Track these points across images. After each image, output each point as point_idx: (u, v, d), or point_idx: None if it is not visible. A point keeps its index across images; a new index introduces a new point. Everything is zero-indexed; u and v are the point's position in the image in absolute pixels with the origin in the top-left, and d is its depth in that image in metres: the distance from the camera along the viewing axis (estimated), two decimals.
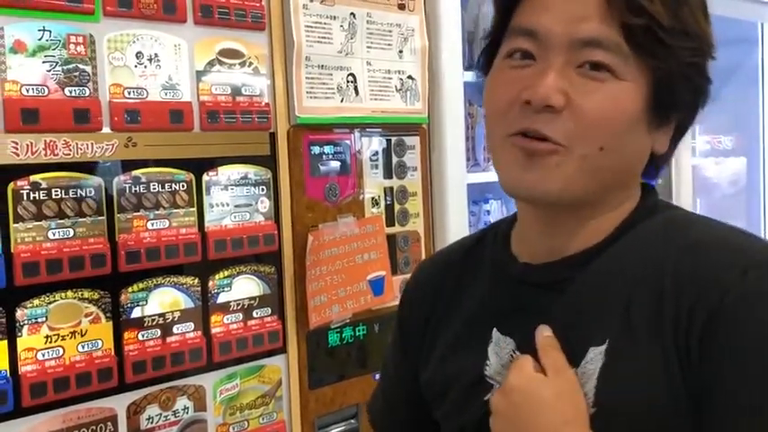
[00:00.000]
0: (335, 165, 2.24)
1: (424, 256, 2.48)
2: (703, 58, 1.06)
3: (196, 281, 1.97)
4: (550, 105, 1.02)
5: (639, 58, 1.01)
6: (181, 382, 1.94)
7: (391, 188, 2.39)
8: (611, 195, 1.11)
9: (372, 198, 2.34)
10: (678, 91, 1.05)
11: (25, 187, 1.69)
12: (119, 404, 1.83)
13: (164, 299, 1.91)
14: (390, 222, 2.39)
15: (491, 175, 3.35)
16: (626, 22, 0.99)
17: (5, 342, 1.67)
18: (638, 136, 1.07)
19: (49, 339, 1.73)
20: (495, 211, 3.43)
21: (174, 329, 1.93)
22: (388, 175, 2.38)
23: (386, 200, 2.38)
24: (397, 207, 2.41)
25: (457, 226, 2.59)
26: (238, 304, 2.05)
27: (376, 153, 2.35)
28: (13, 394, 1.66)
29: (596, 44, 1.01)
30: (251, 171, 2.07)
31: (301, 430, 2.17)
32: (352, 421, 2.30)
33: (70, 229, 1.76)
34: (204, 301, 1.99)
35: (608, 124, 1.03)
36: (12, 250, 1.67)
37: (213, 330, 2.00)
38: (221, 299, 2.02)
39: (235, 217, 2.04)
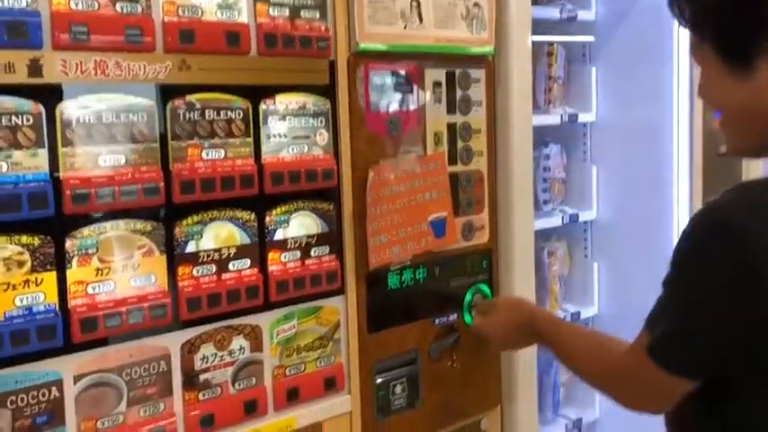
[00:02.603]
0: (397, 97, 2.11)
1: (486, 198, 2.35)
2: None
3: (252, 216, 1.86)
4: None
5: None
6: (236, 322, 1.85)
7: (454, 124, 2.26)
8: None
9: (435, 134, 2.21)
10: None
11: (74, 110, 1.58)
12: (172, 342, 1.74)
13: (219, 233, 1.81)
14: (453, 160, 2.26)
15: (551, 118, 3.21)
16: None
17: (54, 273, 1.57)
18: None
19: (100, 272, 1.64)
20: (556, 155, 3.28)
21: (230, 266, 1.83)
22: (451, 109, 2.24)
23: (449, 136, 2.25)
24: (459, 144, 2.27)
25: (521, 167, 2.45)
26: (296, 242, 1.94)
27: (439, 85, 2.21)
28: (63, 329, 1.58)
29: None
30: (309, 101, 1.95)
31: (359, 374, 2.08)
32: (412, 366, 2.19)
33: (122, 156, 1.65)
34: (261, 238, 1.88)
35: None
36: (60, 176, 1.57)
37: (270, 268, 1.89)
38: (278, 236, 1.91)
39: (292, 149, 1.93)
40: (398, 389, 2.16)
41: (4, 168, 1.51)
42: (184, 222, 1.75)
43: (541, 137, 3.24)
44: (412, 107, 2.14)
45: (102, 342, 1.64)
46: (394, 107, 2.10)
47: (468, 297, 2.31)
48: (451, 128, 2.25)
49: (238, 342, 1.85)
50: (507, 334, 2.09)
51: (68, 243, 1.59)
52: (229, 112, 1.81)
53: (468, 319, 2.31)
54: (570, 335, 1.86)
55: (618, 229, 3.31)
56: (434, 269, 2.23)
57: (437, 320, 2.24)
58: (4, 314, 1.52)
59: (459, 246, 2.28)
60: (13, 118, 1.51)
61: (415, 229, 2.14)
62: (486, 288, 2.36)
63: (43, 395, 1.57)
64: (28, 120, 1.53)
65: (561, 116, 3.17)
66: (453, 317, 2.29)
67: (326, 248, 2.00)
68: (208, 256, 1.79)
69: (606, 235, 3.32)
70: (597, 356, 1.70)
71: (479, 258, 2.35)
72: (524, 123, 2.47)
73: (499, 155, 2.42)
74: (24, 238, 1.53)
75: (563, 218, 3.23)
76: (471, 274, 2.33)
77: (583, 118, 3.25)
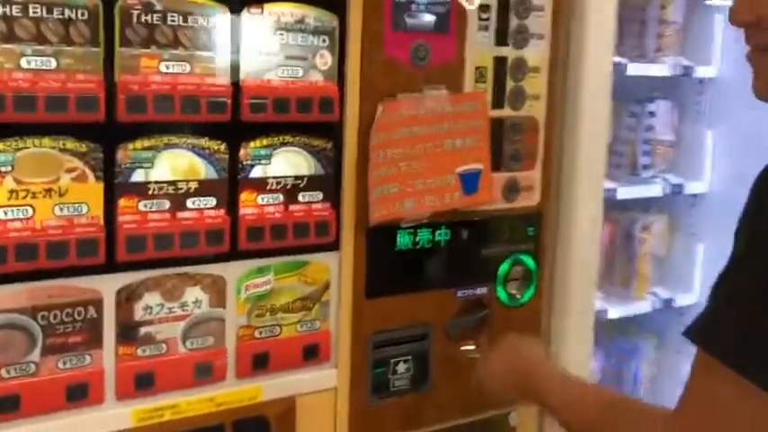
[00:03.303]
0: (428, 18, 1.74)
1: (541, 151, 1.95)
2: None
3: (223, 146, 1.56)
4: None
5: None
6: (193, 270, 1.56)
7: (504, 58, 1.86)
8: None
9: (477, 68, 1.82)
10: None
11: None
12: (105, 286, 1.48)
13: (177, 163, 1.52)
14: (498, 103, 1.87)
15: (661, 69, 2.73)
16: None
17: None
18: None
19: (15, 195, 1.38)
20: (664, 113, 2.80)
21: (188, 203, 1.54)
22: (501, 40, 1.85)
23: (496, 73, 1.85)
24: (509, 84, 1.88)
25: (592, 119, 2.03)
26: (279, 183, 1.63)
27: (487, 8, 1.81)
28: None
29: None
30: (310, 14, 1.62)
31: (351, 346, 1.76)
32: (422, 343, 1.85)
33: (51, 59, 1.38)
34: (232, 174, 1.58)
35: None
36: None
37: (242, 211, 1.59)
38: (256, 173, 1.60)
39: (283, 71, 1.60)
40: (401, 367, 1.83)
41: None
42: (131, 146, 1.47)
43: (647, 90, 2.78)
44: (448, 33, 1.76)
45: (14, 278, 1.39)
46: (423, 30, 1.73)
47: (503, 269, 1.94)
48: (500, 63, 1.86)
49: (193, 294, 1.57)
50: (500, 387, 1.60)
51: None
52: (200, 19, 1.50)
53: (502, 294, 1.94)
54: (575, 399, 1.36)
55: (732, 206, 2.78)
56: (461, 231, 1.87)
57: (459, 293, 1.89)
58: None
59: (496, 207, 1.90)
60: None
61: (437, 181, 1.78)
62: (528, 260, 1.98)
63: None
64: None
65: (674, 68, 2.70)
66: (482, 290, 1.92)
67: (319, 194, 1.68)
68: (160, 188, 1.51)
69: (717, 212, 2.82)
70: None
71: (523, 224, 1.96)
72: (603, 65, 2.04)
73: (567, 99, 2.01)
74: None
75: (664, 188, 2.78)
76: (511, 242, 1.95)
77: (701, 72, 2.77)
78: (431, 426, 1.89)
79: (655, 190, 2.75)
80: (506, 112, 1.88)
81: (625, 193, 2.66)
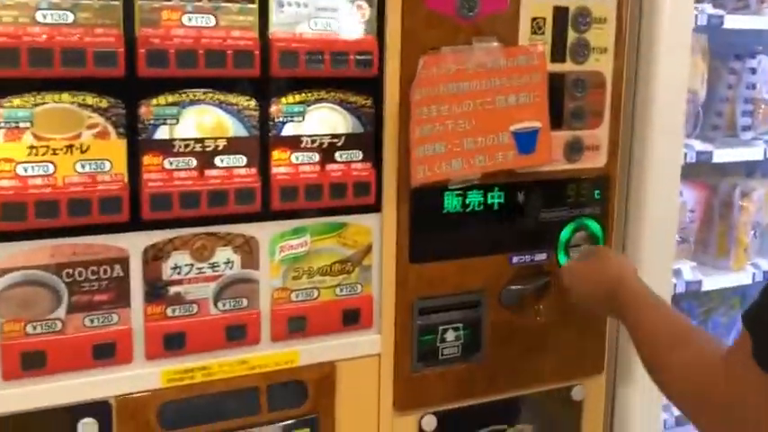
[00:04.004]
0: None
1: (608, 108, 1.81)
2: None
3: (252, 102, 1.50)
4: None
5: None
6: (223, 229, 1.52)
7: (565, 8, 1.73)
8: None
9: (533, 19, 1.70)
10: None
11: None
12: (131, 244, 1.46)
13: (204, 120, 1.48)
14: (559, 56, 1.74)
15: (764, 21, 2.50)
16: None
17: None
18: None
19: (35, 151, 1.37)
20: (767, 71, 2.57)
21: (217, 161, 1.50)
22: None
23: (556, 24, 1.72)
24: (571, 36, 1.74)
25: (669, 74, 1.87)
26: (314, 141, 1.57)
27: None
28: None
29: None
30: None
31: (395, 311, 1.68)
32: (474, 311, 1.76)
33: (68, 13, 1.35)
34: (263, 131, 1.52)
35: None
36: None
37: (274, 170, 1.54)
38: (288, 131, 1.54)
39: (315, 24, 1.53)
40: (450, 336, 1.74)
41: None
42: (154, 101, 1.43)
43: (748, 44, 2.55)
44: None
45: (36, 234, 1.38)
46: None
47: (565, 234, 1.82)
48: (560, 12, 1.73)
49: (224, 254, 1.53)
50: (587, 293, 1.61)
51: None
52: None
53: (563, 260, 1.82)
54: (652, 322, 1.38)
55: None
56: (516, 194, 1.76)
57: (515, 258, 1.78)
58: None
59: (558, 167, 1.78)
60: None
61: (488, 140, 1.67)
62: (594, 225, 1.84)
63: None
64: None
65: None
66: (542, 257, 1.81)
67: (358, 153, 1.60)
68: (186, 145, 1.47)
69: None
70: (685, 363, 1.24)
71: (589, 186, 1.83)
72: (683, 14, 1.87)
73: (641, 52, 1.85)
74: None
75: (767, 150, 2.54)
76: (574, 206, 1.82)
77: None
78: (483, 397, 1.80)
79: (756, 153, 2.53)
80: (568, 66, 1.75)
81: (722, 155, 2.46)
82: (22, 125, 1.35)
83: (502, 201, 1.74)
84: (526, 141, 1.71)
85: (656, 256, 1.94)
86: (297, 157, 1.56)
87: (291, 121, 1.54)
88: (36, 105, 1.35)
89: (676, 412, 2.20)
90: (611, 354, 1.97)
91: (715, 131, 2.56)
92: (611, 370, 2.00)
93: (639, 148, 1.89)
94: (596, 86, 1.78)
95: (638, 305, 1.44)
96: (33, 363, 1.40)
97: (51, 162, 1.38)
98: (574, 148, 1.78)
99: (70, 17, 1.35)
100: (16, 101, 1.34)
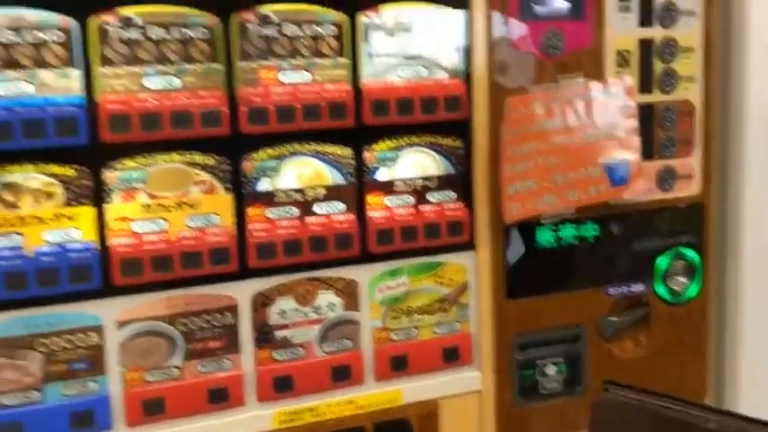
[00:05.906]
0: (561, 4, 1.66)
1: (699, 136, 1.81)
2: None
3: (348, 151, 1.57)
4: None
5: None
6: (324, 274, 1.58)
7: (651, 40, 1.74)
8: None
9: (619, 52, 1.72)
10: None
11: (113, 23, 1.40)
12: (240, 292, 1.53)
13: (303, 170, 1.55)
14: (646, 87, 1.75)
15: None
16: None
17: (91, 208, 1.42)
18: None
19: (148, 209, 1.46)
20: None
21: (317, 209, 1.56)
22: (646, 21, 1.73)
23: (642, 56, 1.74)
24: (658, 67, 1.75)
25: (760, 97, 1.86)
26: (407, 184, 1.62)
27: None
28: (101, 270, 1.42)
29: None
30: (431, 10, 1.59)
31: (494, 347, 1.71)
32: (575, 345, 1.77)
33: (174, 78, 1.44)
34: (359, 177, 1.58)
35: None
36: (96, 99, 1.40)
37: (369, 214, 1.59)
38: (382, 176, 1.60)
39: (404, 71, 1.59)
40: (551, 370, 1.76)
41: (31, 90, 1.37)
42: (256, 156, 1.51)
43: None
44: (584, 17, 1.68)
45: (151, 287, 1.47)
46: (556, 17, 1.65)
47: (662, 263, 1.81)
48: (646, 45, 1.74)
49: (326, 297, 1.59)
50: None
51: (108, 175, 1.42)
52: (317, 27, 1.51)
53: (662, 290, 1.82)
54: None
55: None
56: (610, 225, 1.77)
57: (611, 290, 1.78)
58: (33, 251, 1.40)
59: (651, 198, 1.78)
60: (39, 34, 1.36)
61: (580, 174, 1.69)
62: (691, 253, 1.83)
63: (80, 340, 1.44)
64: (56, 36, 1.37)
65: None
66: (639, 287, 1.81)
67: (450, 193, 1.65)
68: (288, 196, 1.54)
69: None
70: None
71: (685, 215, 1.82)
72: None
73: (731, 78, 1.85)
74: (55, 168, 1.39)
75: None
76: (670, 235, 1.82)
77: None
78: (585, 430, 1.80)
79: None
80: (656, 96, 1.76)
81: None
82: (136, 185, 1.44)
83: (597, 233, 1.75)
84: (618, 173, 1.72)
85: (757, 283, 1.91)
86: (391, 200, 1.61)
87: (385, 165, 1.59)
88: (148, 166, 1.44)
89: None
90: (719, 376, 1.94)
91: None
92: (718, 393, 1.97)
93: (734, 174, 1.87)
94: (685, 115, 1.79)
95: None
96: (154, 409, 1.48)
97: (164, 218, 1.47)
98: (666, 178, 1.78)
99: (177, 82, 1.44)
100: (130, 163, 1.43)
